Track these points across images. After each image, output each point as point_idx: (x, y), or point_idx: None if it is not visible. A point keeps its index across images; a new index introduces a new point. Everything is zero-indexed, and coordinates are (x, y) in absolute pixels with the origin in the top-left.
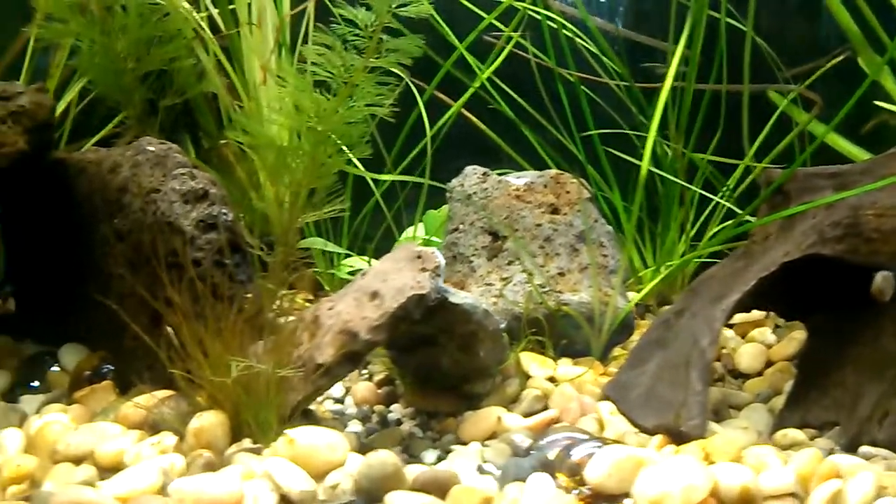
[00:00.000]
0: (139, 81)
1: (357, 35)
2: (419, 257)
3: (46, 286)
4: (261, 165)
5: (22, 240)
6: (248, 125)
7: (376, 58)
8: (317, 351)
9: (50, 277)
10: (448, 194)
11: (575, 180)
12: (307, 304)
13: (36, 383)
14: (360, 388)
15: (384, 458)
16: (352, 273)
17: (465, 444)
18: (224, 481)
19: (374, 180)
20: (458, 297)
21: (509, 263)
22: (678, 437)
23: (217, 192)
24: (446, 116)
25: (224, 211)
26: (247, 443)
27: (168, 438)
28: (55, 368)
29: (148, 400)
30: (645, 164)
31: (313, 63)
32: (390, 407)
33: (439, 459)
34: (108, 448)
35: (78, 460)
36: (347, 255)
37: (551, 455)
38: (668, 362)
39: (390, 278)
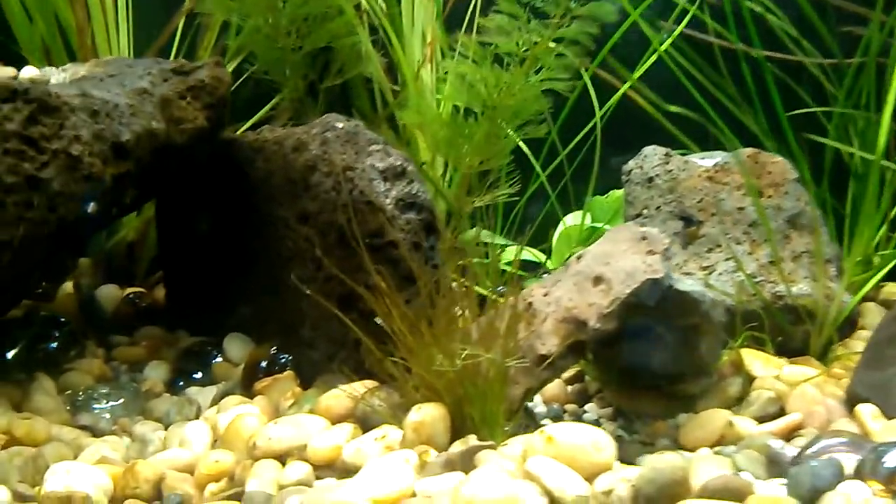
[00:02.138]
0: (303, 61)
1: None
2: (644, 238)
3: (203, 274)
4: (430, 145)
5: (176, 224)
6: (418, 102)
7: (562, 28)
8: (537, 340)
9: (208, 264)
10: (624, 178)
11: (777, 159)
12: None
13: (199, 374)
14: (549, 384)
15: (673, 461)
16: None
17: (687, 449)
18: (493, 482)
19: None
20: (684, 283)
21: (709, 251)
22: None
23: (414, 170)
24: (616, 96)
25: (422, 189)
26: (472, 439)
27: (393, 433)
28: (217, 359)
29: (352, 391)
30: (879, 149)
31: (477, 42)
32: (584, 406)
33: None
34: (321, 443)
35: (281, 456)
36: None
37: (848, 463)
38: None
39: (614, 262)
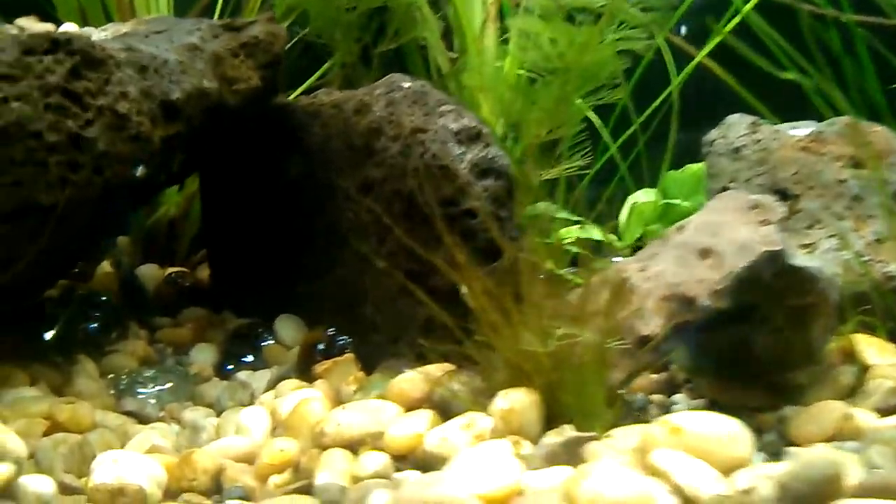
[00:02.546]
0: (357, 22)
1: None
2: (756, 207)
3: (250, 250)
4: (494, 112)
5: (222, 197)
6: (480, 64)
7: None
8: (638, 320)
9: (256, 240)
10: (706, 149)
11: (877, 128)
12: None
13: (249, 358)
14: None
15: (827, 455)
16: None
17: (799, 444)
18: (617, 479)
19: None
20: (798, 258)
21: (809, 227)
22: None
23: (489, 133)
24: (692, 65)
25: (499, 154)
26: (568, 429)
27: (480, 420)
28: (268, 342)
29: (427, 375)
30: None
31: None
32: (672, 397)
33: (768, 462)
34: (400, 431)
35: (351, 444)
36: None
37: None
38: None
39: (723, 232)
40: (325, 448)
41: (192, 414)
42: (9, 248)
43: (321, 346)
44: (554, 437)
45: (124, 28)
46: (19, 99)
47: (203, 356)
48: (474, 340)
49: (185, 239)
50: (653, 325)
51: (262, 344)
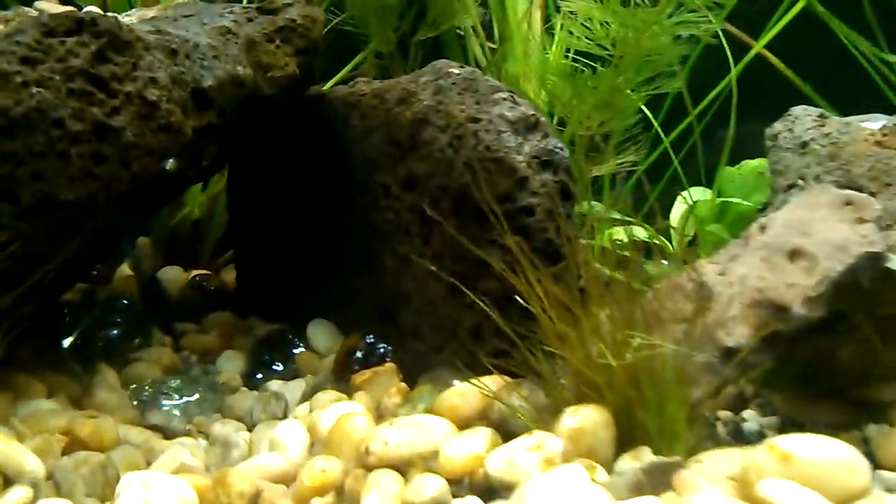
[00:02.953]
0: (395, 8)
1: None
2: (850, 203)
3: (280, 252)
4: (542, 102)
5: (251, 195)
6: (526, 49)
7: None
8: (720, 329)
9: (286, 241)
10: (769, 143)
11: None
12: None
13: (279, 366)
14: None
15: None
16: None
17: (886, 468)
18: None
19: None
20: (894, 261)
21: (887, 227)
22: None
23: (546, 122)
24: (753, 52)
25: (558, 145)
26: (646, 453)
27: (549, 441)
28: (299, 349)
29: (481, 388)
30: None
31: None
32: (741, 413)
33: None
34: (457, 452)
35: (401, 466)
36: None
37: None
38: None
39: (815, 231)
40: (370, 469)
41: (223, 428)
42: (28, 246)
43: (358, 355)
44: (631, 462)
45: (150, 13)
46: (40, 84)
47: (231, 364)
48: (536, 350)
49: (209, 240)
50: (737, 336)
51: (294, 351)
